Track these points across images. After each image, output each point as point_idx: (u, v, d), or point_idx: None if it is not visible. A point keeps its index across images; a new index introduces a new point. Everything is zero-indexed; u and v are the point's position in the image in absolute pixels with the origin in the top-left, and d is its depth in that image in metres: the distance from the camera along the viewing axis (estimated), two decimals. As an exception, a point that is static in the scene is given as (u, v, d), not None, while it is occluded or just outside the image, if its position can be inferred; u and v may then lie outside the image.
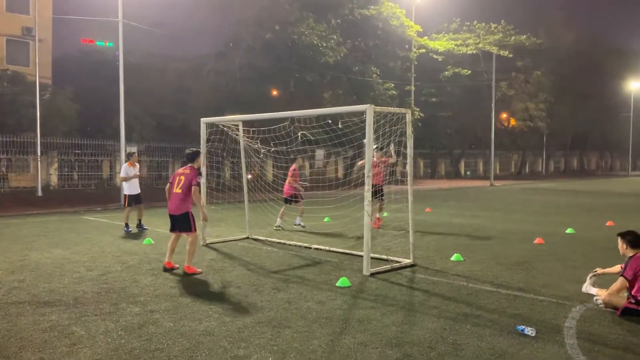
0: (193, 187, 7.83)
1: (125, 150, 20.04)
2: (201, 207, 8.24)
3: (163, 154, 30.73)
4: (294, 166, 12.78)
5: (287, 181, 12.76)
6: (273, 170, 14.88)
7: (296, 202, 12.76)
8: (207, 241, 10.53)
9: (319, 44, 29.10)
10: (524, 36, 46.12)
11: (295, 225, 12.79)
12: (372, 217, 10.05)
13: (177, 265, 8.12)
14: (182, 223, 7.98)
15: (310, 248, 10.00)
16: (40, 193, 23.79)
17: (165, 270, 8.02)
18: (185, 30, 31.05)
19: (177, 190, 7.96)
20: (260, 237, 11.26)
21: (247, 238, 11.30)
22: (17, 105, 25.31)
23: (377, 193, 11.80)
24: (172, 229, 8.15)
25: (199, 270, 7.98)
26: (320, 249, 9.86)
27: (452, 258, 8.98)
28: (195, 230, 8.06)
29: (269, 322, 5.54)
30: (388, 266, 8.22)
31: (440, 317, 5.77)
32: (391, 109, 8.48)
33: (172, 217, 8.06)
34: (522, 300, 6.49)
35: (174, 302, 6.34)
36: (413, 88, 35.94)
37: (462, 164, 54.02)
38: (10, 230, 12.73)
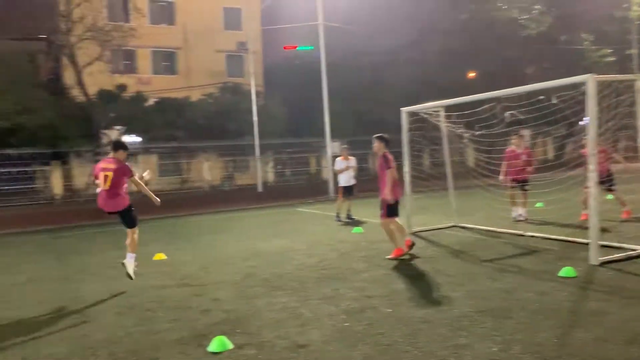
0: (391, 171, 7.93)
1: (331, 146, 21.28)
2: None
3: (363, 147, 31.79)
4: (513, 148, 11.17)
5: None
6: (475, 154, 14.27)
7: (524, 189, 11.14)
8: (414, 229, 10.57)
9: (519, 17, 27.12)
10: None
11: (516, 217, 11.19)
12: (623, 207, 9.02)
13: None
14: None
15: (524, 236, 9.37)
16: (260, 189, 26.60)
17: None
18: (377, 24, 31.46)
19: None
20: (467, 225, 10.92)
21: (454, 226, 11.06)
22: (237, 113, 28.61)
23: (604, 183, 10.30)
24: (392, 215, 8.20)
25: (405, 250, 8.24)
26: (536, 237, 9.18)
27: None
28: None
29: (488, 312, 5.33)
30: (622, 254, 7.28)
31: (696, 314, 4.91)
32: (617, 77, 7.47)
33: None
34: None
35: (388, 288, 6.50)
36: (636, 52, 31.30)
37: None
38: (239, 222, 14.44)
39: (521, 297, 5.79)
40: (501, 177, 11.16)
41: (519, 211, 11.13)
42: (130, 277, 7.23)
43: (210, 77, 32.47)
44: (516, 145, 10.99)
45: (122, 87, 27.12)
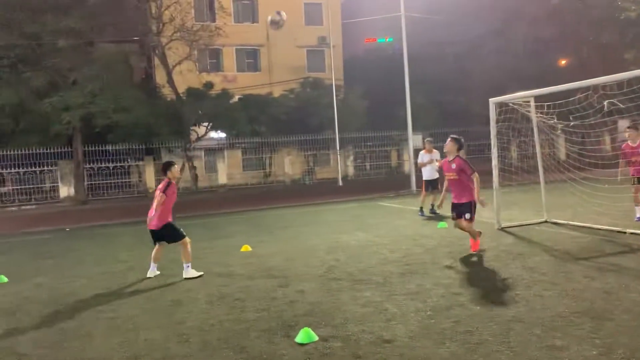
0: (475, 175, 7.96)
1: (412, 139, 20.97)
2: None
3: (445, 139, 31.06)
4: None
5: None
6: (567, 145, 13.48)
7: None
8: (502, 225, 10.19)
9: (616, -2, 25.32)
10: None
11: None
12: None
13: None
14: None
15: (625, 233, 8.74)
16: (340, 183, 26.71)
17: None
18: (460, 13, 30.51)
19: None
20: (560, 221, 10.36)
21: (545, 222, 10.53)
22: (318, 107, 28.84)
23: None
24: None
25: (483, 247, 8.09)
26: (638, 234, 8.54)
27: None
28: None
29: (586, 313, 5.03)
30: None
31: None
32: None
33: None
34: None
35: (476, 285, 6.30)
36: None
37: None
38: (321, 215, 14.58)
39: (624, 297, 5.42)
40: (619, 176, 10.31)
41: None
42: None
43: (291, 73, 32.96)
44: (631, 140, 10.11)
45: (209, 85, 28.14)
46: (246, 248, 9.76)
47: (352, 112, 29.44)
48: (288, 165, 29.93)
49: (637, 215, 10.01)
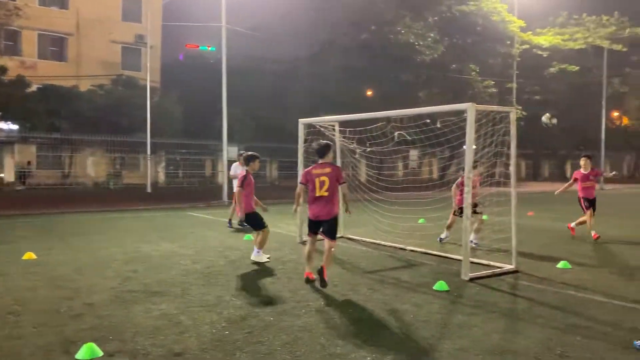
0: (344, 186, 7.22)
1: (227, 150, 21.04)
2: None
3: (261, 154, 31.68)
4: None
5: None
6: (367, 170, 14.81)
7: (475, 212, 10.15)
8: (304, 238, 10.72)
9: (415, 42, 28.74)
10: (640, 28, 42.56)
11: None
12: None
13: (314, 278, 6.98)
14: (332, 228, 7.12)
15: (406, 250, 9.87)
16: (149, 190, 25.56)
17: (308, 281, 6.99)
18: (281, 33, 31.76)
19: (322, 193, 6.98)
20: (354, 237, 11.29)
21: (342, 237, 11.38)
22: (130, 108, 27.32)
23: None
24: (314, 233, 7.27)
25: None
26: (416, 251, 9.71)
27: (559, 265, 8.46)
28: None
29: (365, 322, 5.54)
30: (489, 271, 7.92)
31: (545, 327, 5.45)
32: (494, 108, 8.16)
33: (317, 222, 7.13)
34: (638, 313, 5.98)
35: (273, 296, 6.52)
36: (515, 86, 34.36)
37: (569, 165, 50.81)
38: (123, 223, 13.76)
39: (398, 308, 6.08)
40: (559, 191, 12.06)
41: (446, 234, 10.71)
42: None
43: (103, 68, 30.81)
44: (584, 168, 11.50)
45: (2, 69, 24.82)
46: (30, 256, 8.75)
47: (167, 116, 28.54)
48: (91, 166, 27.73)
49: (471, 239, 9.87)
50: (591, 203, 11.44)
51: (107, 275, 7.56)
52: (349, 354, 4.66)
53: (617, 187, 36.33)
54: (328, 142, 7.57)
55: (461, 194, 9.82)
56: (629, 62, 43.08)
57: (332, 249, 7.12)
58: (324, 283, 6.75)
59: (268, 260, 8.64)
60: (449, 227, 10.69)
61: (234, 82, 26.51)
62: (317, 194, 7.00)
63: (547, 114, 10.03)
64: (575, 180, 11.67)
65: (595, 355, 4.69)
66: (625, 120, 45.68)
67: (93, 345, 4.61)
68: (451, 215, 10.58)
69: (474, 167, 9.54)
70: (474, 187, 9.78)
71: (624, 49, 38.96)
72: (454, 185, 10.34)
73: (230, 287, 6.95)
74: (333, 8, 28.56)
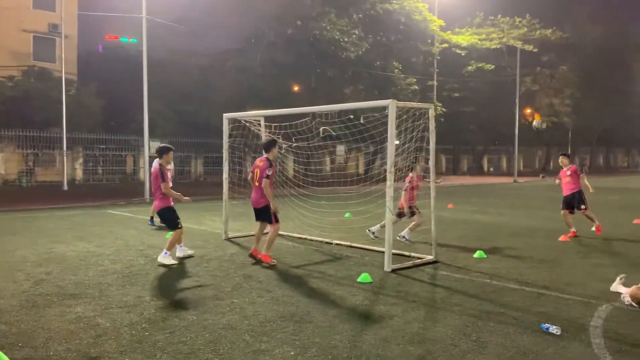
0: (264, 180, 8.09)
1: (149, 146, 20.32)
2: (271, 199, 8.24)
3: (186, 149, 31.02)
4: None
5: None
6: (294, 166, 14.84)
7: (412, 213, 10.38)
8: (229, 235, 10.60)
9: (340, 39, 29.02)
10: (550, 30, 45.42)
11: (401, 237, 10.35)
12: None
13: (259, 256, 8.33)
14: (265, 215, 8.36)
15: (332, 244, 10.00)
16: (65, 187, 24.25)
17: (251, 256, 8.45)
18: (206, 26, 31.05)
19: (256, 183, 8.32)
20: (281, 232, 11.26)
21: (268, 233, 11.32)
22: (44, 101, 25.76)
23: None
24: (257, 219, 8.60)
25: (273, 261, 8.14)
26: (341, 245, 9.85)
27: (475, 255, 8.89)
28: (276, 222, 8.31)
29: (290, 317, 5.55)
30: (410, 263, 8.18)
31: (462, 314, 5.71)
32: (414, 104, 8.41)
33: (255, 209, 8.49)
34: (546, 298, 6.39)
35: (196, 295, 6.40)
36: (435, 83, 35.59)
37: (485, 160, 53.46)
38: (36, 223, 12.98)
39: (322, 301, 6.15)
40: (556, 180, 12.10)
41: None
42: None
43: (12, 59, 28.78)
44: (563, 165, 11.67)
45: None
46: None
47: (85, 110, 27.19)
48: (0, 163, 25.91)
49: (403, 234, 10.23)
50: (565, 199, 11.37)
51: (17, 279, 7.11)
52: (273, 350, 4.66)
53: (529, 179, 38.62)
54: (274, 138, 8.84)
55: (411, 199, 10.12)
56: (540, 61, 45.84)
57: (271, 234, 8.29)
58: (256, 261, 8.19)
59: (175, 264, 8.10)
60: (413, 229, 10.30)
61: (157, 75, 25.68)
62: (254, 184, 8.35)
63: (538, 119, 10.45)
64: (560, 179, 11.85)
65: (507, 339, 4.97)
66: (537, 117, 48.55)
67: (0, 353, 4.31)
68: (417, 217, 10.25)
69: (412, 169, 9.87)
70: (415, 188, 10.16)
71: (535, 50, 41.41)
72: (403, 192, 10.07)
73: (150, 287, 6.74)
74: (259, 2, 28.27)
